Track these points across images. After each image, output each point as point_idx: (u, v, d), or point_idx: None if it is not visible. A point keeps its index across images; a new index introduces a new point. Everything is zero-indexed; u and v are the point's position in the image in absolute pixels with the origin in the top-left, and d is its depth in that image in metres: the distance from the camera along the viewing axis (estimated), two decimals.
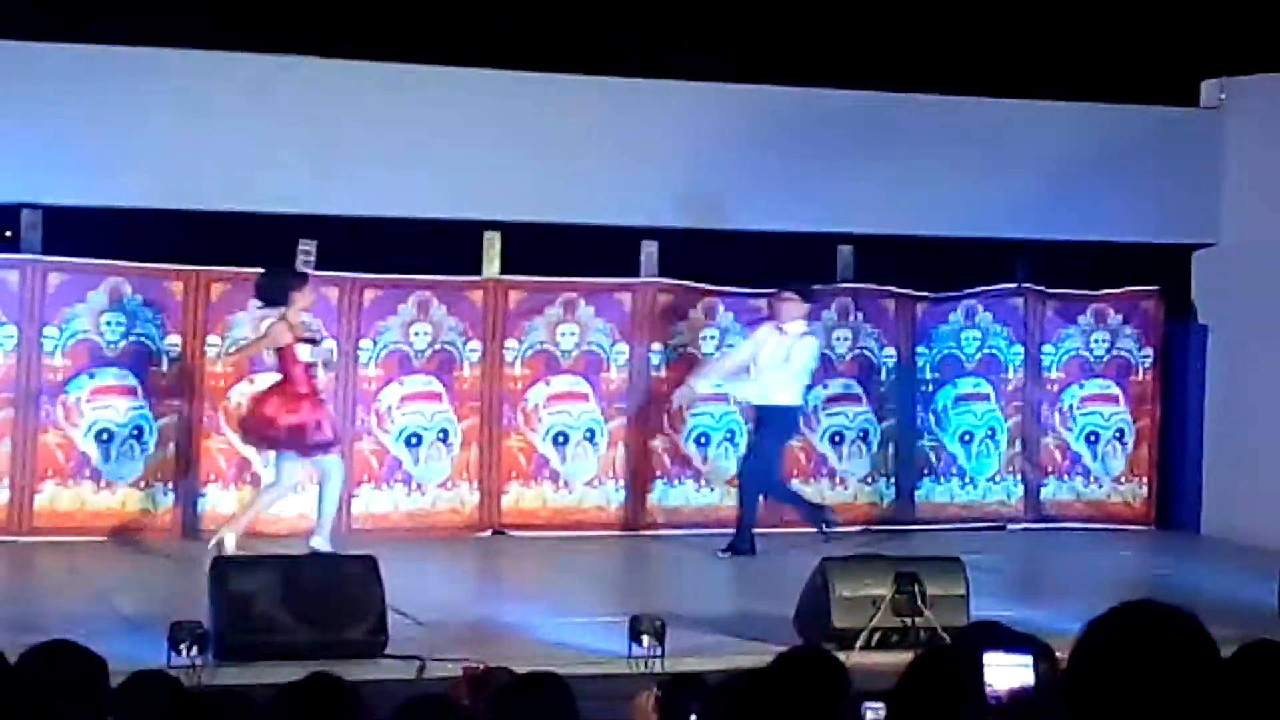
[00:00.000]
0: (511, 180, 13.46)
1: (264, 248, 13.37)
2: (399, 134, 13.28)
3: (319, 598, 8.97)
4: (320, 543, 11.67)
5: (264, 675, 7.32)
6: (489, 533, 13.89)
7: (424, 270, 13.85)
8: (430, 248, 13.81)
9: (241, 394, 13.10)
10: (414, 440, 13.78)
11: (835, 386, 14.70)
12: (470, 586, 12.05)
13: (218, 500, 13.22)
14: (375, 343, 13.70)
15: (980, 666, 3.75)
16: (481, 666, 6.94)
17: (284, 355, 11.76)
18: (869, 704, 4.21)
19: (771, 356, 12.87)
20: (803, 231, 14.18)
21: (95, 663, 4.64)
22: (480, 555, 13.41)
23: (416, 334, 13.78)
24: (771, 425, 13.10)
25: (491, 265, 14.08)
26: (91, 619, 9.17)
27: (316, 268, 13.48)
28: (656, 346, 14.22)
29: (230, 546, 11.21)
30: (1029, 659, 4.86)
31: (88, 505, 13.06)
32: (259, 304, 12.27)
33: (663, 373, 14.23)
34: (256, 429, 12.00)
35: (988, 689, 4.37)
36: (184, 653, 8.37)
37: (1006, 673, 4.60)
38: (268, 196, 13.01)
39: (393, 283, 13.80)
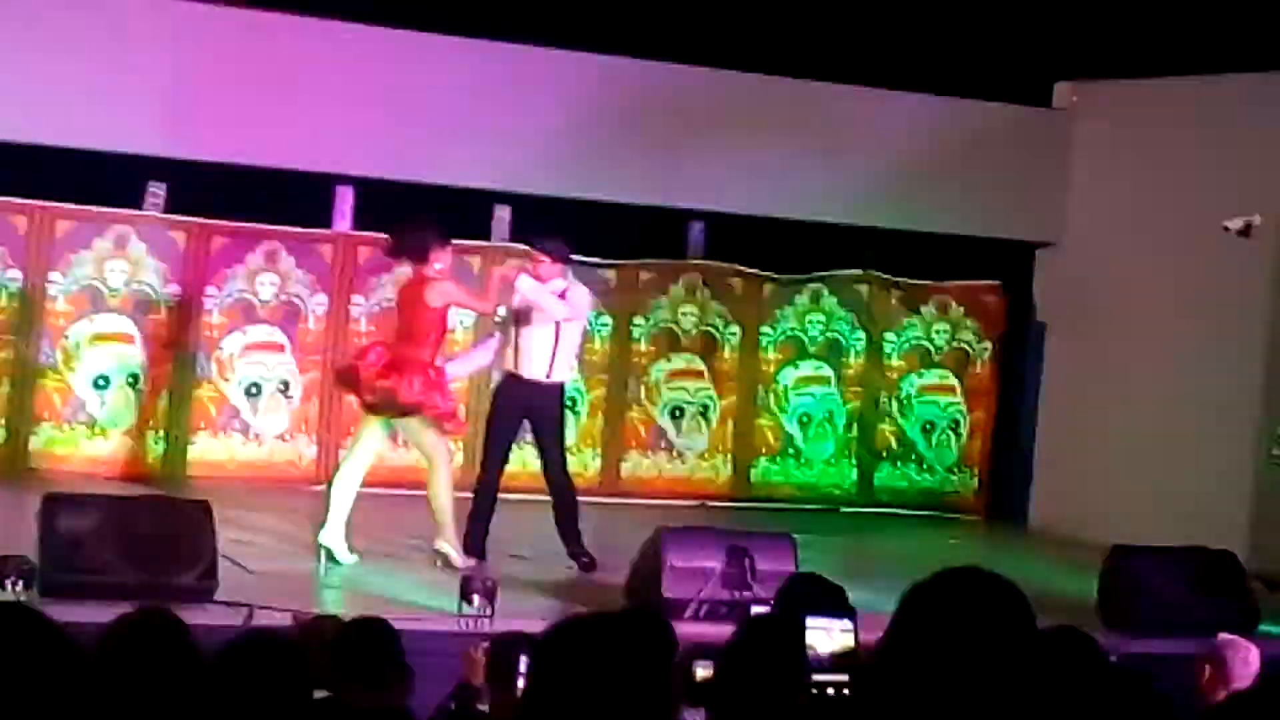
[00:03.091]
0: (366, 135, 13.41)
1: (112, 187, 13.28)
2: (257, 81, 13.17)
3: (150, 540, 8.89)
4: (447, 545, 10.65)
5: (90, 615, 7.27)
6: (325, 486, 13.82)
7: (274, 221, 13.78)
8: (281, 198, 13.72)
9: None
10: (254, 390, 13.70)
11: (679, 361, 14.81)
12: (303, 539, 12.00)
13: (51, 439, 13.12)
14: (221, 290, 13.61)
15: (802, 626, 3.85)
16: (311, 615, 6.95)
17: (431, 316, 10.69)
18: (699, 662, 4.29)
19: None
20: (654, 205, 14.24)
21: None
22: (315, 509, 13.33)
23: (263, 284, 13.71)
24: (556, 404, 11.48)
25: (343, 220, 14.02)
26: None
27: (165, 211, 13.46)
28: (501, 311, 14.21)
29: (457, 558, 10.50)
30: (850, 623, 4.99)
31: None
32: (395, 258, 11.31)
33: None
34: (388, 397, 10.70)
35: (809, 651, 4.47)
36: (9, 588, 8.29)
37: (828, 636, 4.71)
38: (118, 135, 12.85)
39: (242, 231, 13.71)
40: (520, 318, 11.07)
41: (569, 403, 11.97)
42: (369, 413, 10.86)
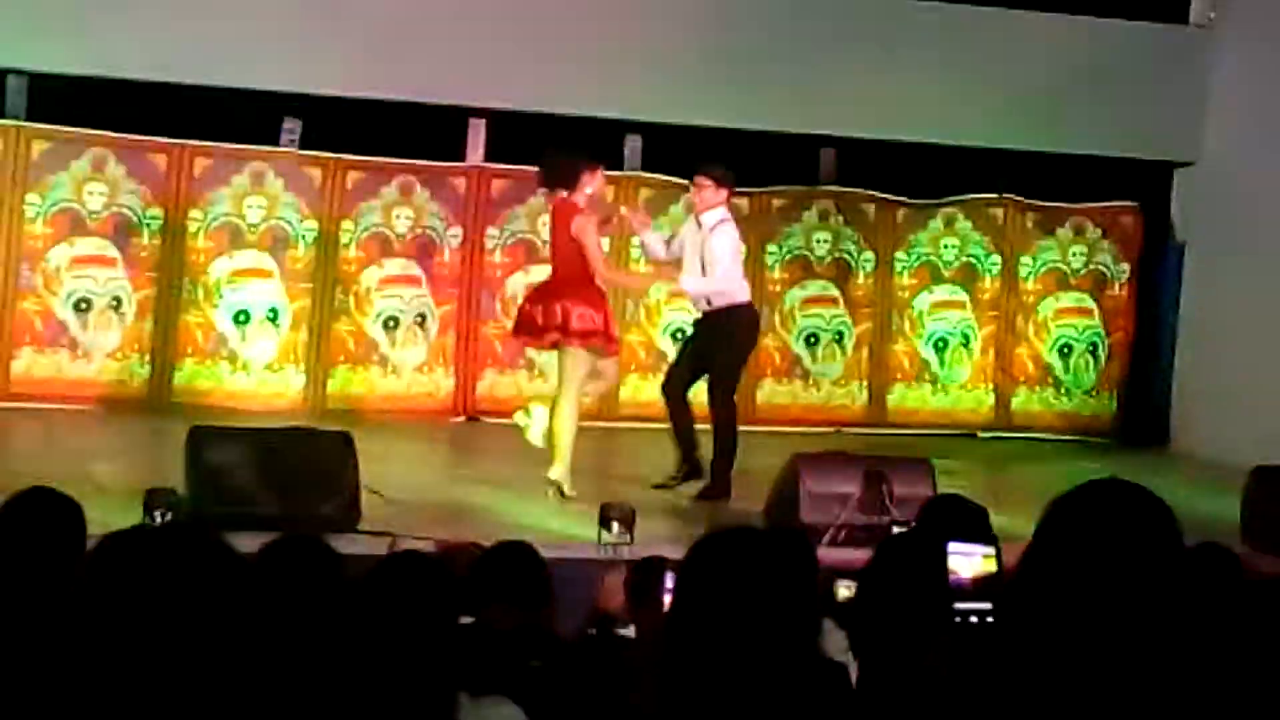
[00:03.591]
0: (497, 66, 13.45)
1: (248, 124, 13.41)
2: (386, 16, 13.24)
3: (293, 472, 9.03)
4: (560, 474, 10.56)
5: (238, 545, 7.39)
6: (463, 418, 13.98)
7: (407, 154, 13.86)
8: (414, 132, 13.79)
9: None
10: (391, 324, 13.82)
11: (812, 288, 14.78)
12: (442, 470, 12.13)
13: (194, 373, 13.32)
14: (356, 224, 13.72)
15: (943, 550, 3.85)
16: (454, 542, 7.02)
17: (572, 244, 10.56)
18: (842, 580, 4.31)
19: (689, 251, 11.15)
20: (785, 132, 14.19)
21: (72, 508, 4.72)
22: (453, 440, 13.49)
23: (398, 217, 13.81)
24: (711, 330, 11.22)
25: (476, 152, 14.09)
26: (67, 486, 9.19)
27: (300, 147, 13.59)
28: (635, 241, 14.24)
29: (567, 487, 10.45)
30: (993, 549, 4.97)
31: (65, 373, 13.10)
32: (547, 187, 10.88)
33: (641, 267, 14.25)
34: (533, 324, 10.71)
35: (951, 576, 4.47)
36: (157, 520, 8.43)
37: (970, 562, 4.71)
38: (253, 73, 12.98)
39: (376, 165, 13.81)
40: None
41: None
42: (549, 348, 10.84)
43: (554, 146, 11.10)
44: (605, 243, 11.49)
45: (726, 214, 11.17)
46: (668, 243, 11.43)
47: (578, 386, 10.66)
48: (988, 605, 4.71)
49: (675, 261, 11.29)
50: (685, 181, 13.38)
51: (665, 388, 11.32)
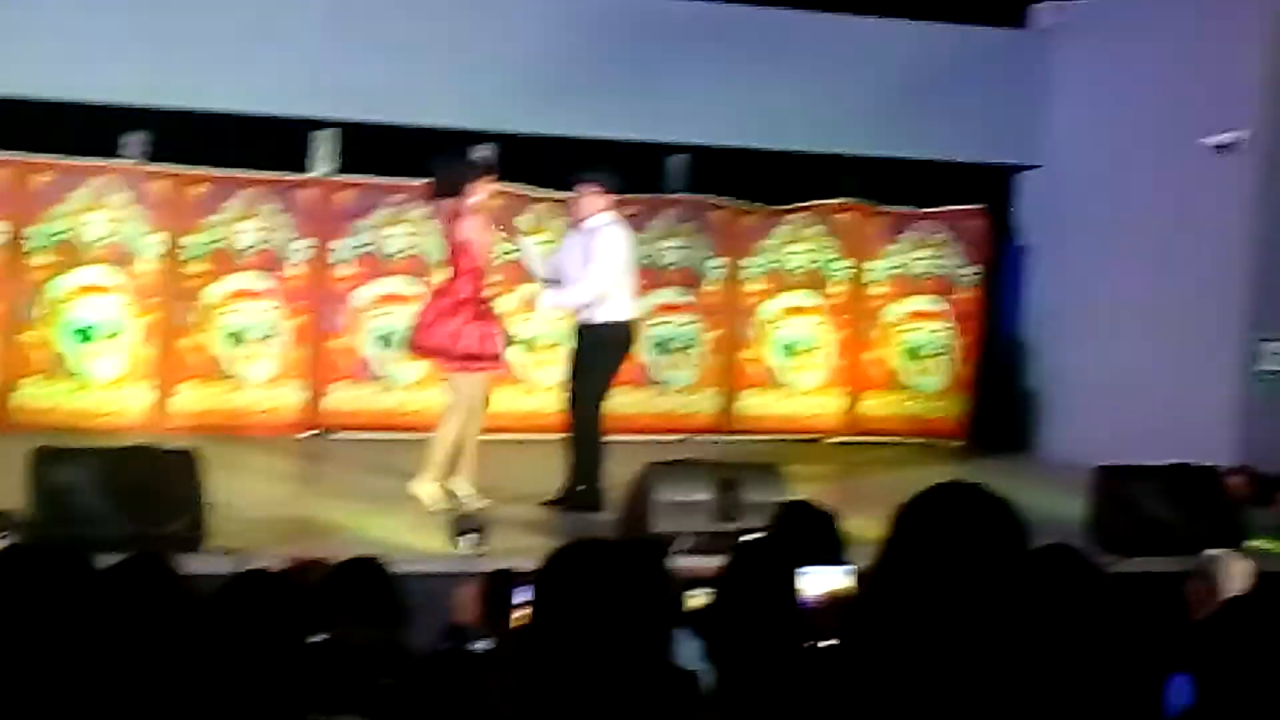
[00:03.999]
0: (344, 79, 13.35)
1: (88, 138, 13.21)
2: (233, 28, 13.10)
3: (139, 490, 8.87)
4: (426, 489, 10.59)
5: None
6: (313, 432, 13.86)
7: (254, 167, 13.73)
8: (261, 144, 13.65)
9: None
10: (238, 338, 13.68)
11: (663, 295, 14.79)
12: (293, 485, 12.02)
13: (35, 393, 13.11)
14: (203, 238, 13.56)
15: (794, 558, 3.85)
16: (305, 559, 6.94)
17: (461, 250, 10.60)
18: (691, 591, 4.29)
19: (573, 261, 10.85)
20: (633, 140, 14.19)
21: None
22: (303, 455, 13.37)
23: (244, 231, 13.67)
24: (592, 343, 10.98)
25: (323, 164, 13.98)
26: None
27: (145, 161, 13.41)
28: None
29: (429, 501, 10.47)
30: (848, 568, 4.97)
31: None
32: (438, 198, 10.80)
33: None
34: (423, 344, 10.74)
35: (800, 595, 4.45)
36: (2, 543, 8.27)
37: (821, 580, 4.68)
38: (95, 86, 12.79)
39: (221, 178, 13.65)
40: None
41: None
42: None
43: (441, 158, 11.01)
44: None
45: (615, 219, 10.94)
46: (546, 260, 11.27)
47: (467, 406, 10.66)
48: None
49: (554, 279, 11.00)
50: (537, 191, 13.41)
51: (569, 403, 11.12)
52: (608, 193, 10.90)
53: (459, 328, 10.56)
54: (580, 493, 10.82)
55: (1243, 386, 13.64)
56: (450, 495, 10.65)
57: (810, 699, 2.85)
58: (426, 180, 10.92)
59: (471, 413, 10.74)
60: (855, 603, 3.37)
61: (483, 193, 10.65)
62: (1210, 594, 6.69)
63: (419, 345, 10.78)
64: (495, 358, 10.76)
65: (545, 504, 10.84)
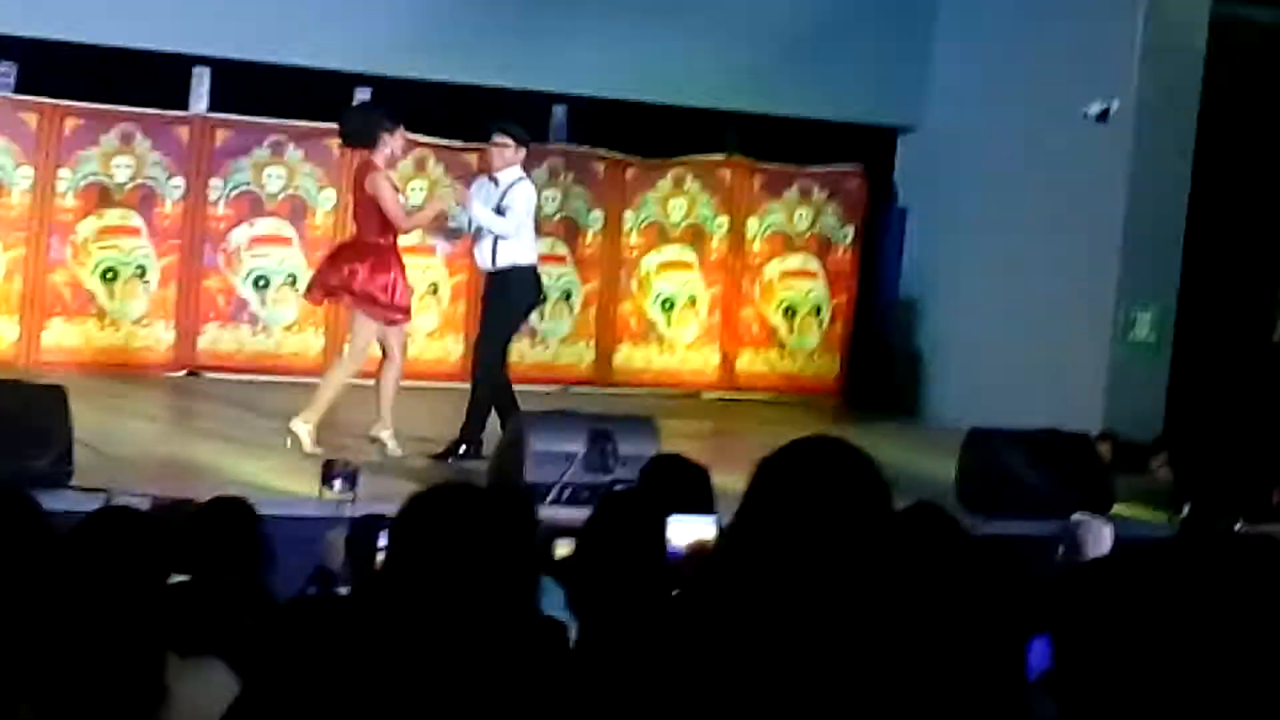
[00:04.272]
0: (223, 15, 13.19)
1: None
2: None
3: (4, 425, 8.76)
4: (303, 428, 10.47)
5: None
6: (184, 373, 13.73)
7: (129, 102, 13.53)
8: (137, 79, 13.46)
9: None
10: (109, 275, 13.50)
11: (542, 246, 14.70)
12: (162, 425, 11.90)
13: None
14: (75, 173, 13.37)
15: (662, 510, 3.85)
16: (169, 500, 6.88)
17: (371, 203, 10.55)
18: (560, 540, 4.29)
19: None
20: (516, 89, 14.12)
21: None
22: (174, 395, 13.24)
23: (118, 166, 13.48)
24: (499, 290, 11.07)
25: (199, 101, 13.81)
26: None
27: (15, 92, 13.19)
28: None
29: (307, 442, 10.35)
30: (712, 520, 4.99)
31: None
32: (348, 146, 11.10)
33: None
34: (325, 283, 10.76)
35: (669, 545, 4.46)
36: None
37: (688, 530, 4.70)
38: None
39: (96, 112, 13.45)
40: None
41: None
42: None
43: (352, 105, 11.18)
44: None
45: (523, 173, 11.10)
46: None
47: (361, 351, 10.68)
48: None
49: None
50: (416, 137, 13.27)
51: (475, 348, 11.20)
52: (520, 146, 11.02)
53: (385, 277, 10.55)
54: (460, 442, 10.81)
55: (1113, 353, 13.80)
56: (374, 441, 10.60)
57: (670, 648, 2.85)
58: (336, 128, 11.07)
59: (391, 360, 10.72)
60: (714, 553, 3.36)
61: (396, 145, 10.69)
62: (1076, 557, 6.78)
63: (328, 285, 10.72)
64: (408, 310, 10.90)
65: (434, 456, 10.81)
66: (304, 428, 10.47)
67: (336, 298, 10.89)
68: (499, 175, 10.99)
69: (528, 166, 13.36)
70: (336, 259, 10.84)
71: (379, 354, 10.80)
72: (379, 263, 10.57)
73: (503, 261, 10.89)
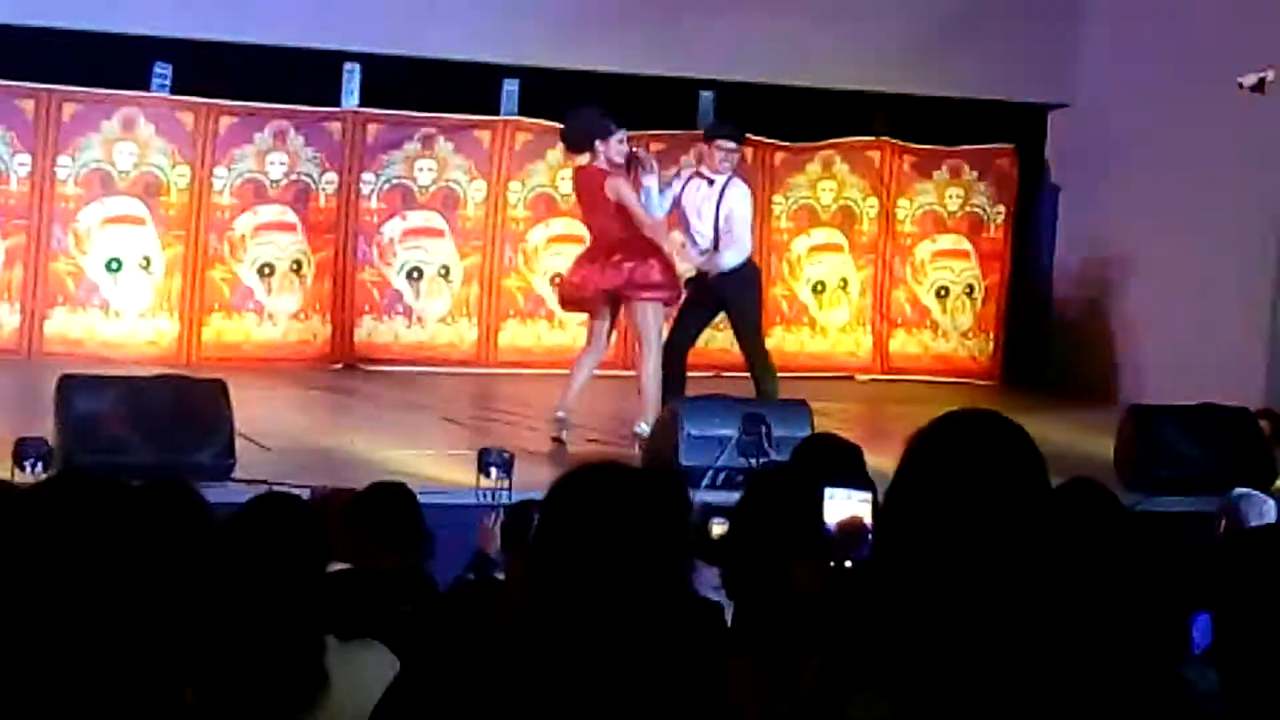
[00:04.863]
0: (372, 10, 13.32)
1: (118, 69, 13.19)
2: None
3: (167, 419, 8.92)
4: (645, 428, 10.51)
5: None
6: (340, 366, 13.88)
7: (281, 100, 13.70)
8: (288, 77, 13.62)
9: None
10: (268, 270, 13.67)
11: None
12: (320, 417, 12.03)
13: (66, 322, 13.16)
14: (230, 171, 13.55)
15: (817, 487, 3.84)
16: (329, 489, 6.95)
17: (613, 209, 10.67)
18: (716, 519, 4.29)
19: (699, 209, 11.22)
20: (663, 75, 14.12)
21: None
22: (331, 387, 13.38)
23: (272, 163, 13.65)
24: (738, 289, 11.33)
25: (350, 97, 13.94)
26: None
27: (172, 91, 13.40)
28: (514, 185, 14.19)
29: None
30: (868, 494, 4.96)
31: None
32: (570, 152, 11.14)
33: (519, 211, 14.22)
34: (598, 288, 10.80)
35: (823, 519, 4.44)
36: (29, 470, 8.30)
37: (843, 506, 4.68)
38: (123, 16, 12.76)
39: (249, 110, 13.63)
40: None
41: None
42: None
43: (575, 107, 11.13)
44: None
45: (739, 175, 11.48)
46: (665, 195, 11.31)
47: (658, 338, 10.77)
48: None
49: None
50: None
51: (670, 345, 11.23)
52: (739, 147, 11.41)
53: (656, 259, 10.66)
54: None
55: (1274, 327, 13.57)
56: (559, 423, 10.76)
57: (830, 621, 2.85)
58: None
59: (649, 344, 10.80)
60: (874, 527, 3.35)
61: (613, 150, 10.72)
62: (1235, 533, 6.68)
63: (598, 287, 10.77)
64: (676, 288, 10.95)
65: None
66: (645, 428, 10.53)
67: (621, 297, 10.82)
68: (715, 176, 11.23)
69: (677, 153, 13.47)
70: (594, 262, 10.82)
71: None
72: (645, 251, 10.64)
73: (732, 260, 11.13)
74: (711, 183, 11.20)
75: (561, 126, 11.30)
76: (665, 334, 11.00)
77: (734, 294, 11.29)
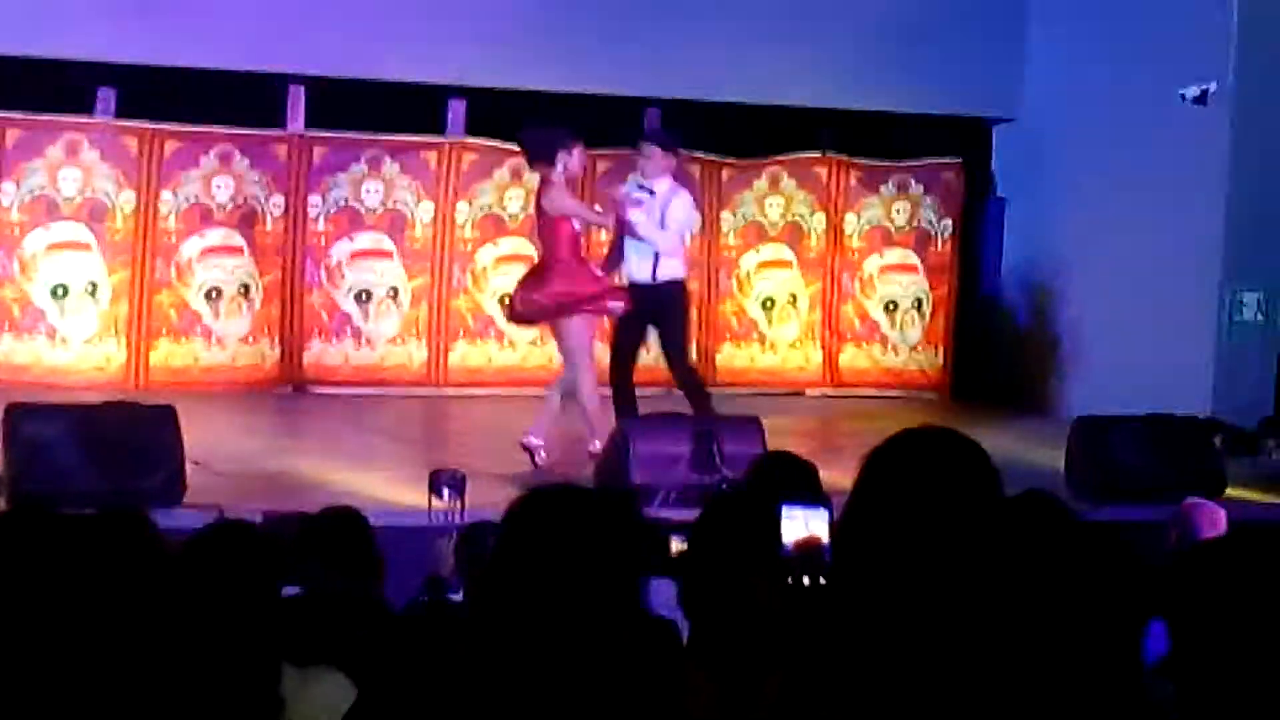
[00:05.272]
0: (316, 32, 13.29)
1: (61, 94, 13.13)
2: None
3: (116, 446, 8.87)
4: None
5: None
6: (290, 388, 13.83)
7: (226, 122, 13.65)
8: (233, 100, 13.57)
9: None
10: (214, 294, 13.61)
11: None
12: (270, 441, 11.98)
13: (11, 349, 13.09)
14: (176, 195, 13.49)
15: (774, 507, 3.84)
16: (280, 514, 6.93)
17: (550, 222, 10.63)
18: (675, 535, 4.28)
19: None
20: (609, 94, 14.13)
21: None
22: (280, 410, 13.34)
23: (219, 187, 13.60)
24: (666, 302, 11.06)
25: (296, 120, 13.91)
26: None
27: (116, 116, 13.34)
28: (462, 206, 14.17)
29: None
30: (825, 512, 4.97)
31: None
32: (530, 166, 11.11)
33: (467, 232, 14.20)
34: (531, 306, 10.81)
35: (780, 538, 4.44)
36: None
37: (803, 525, 4.68)
38: (66, 41, 12.71)
39: (194, 134, 13.58)
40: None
41: None
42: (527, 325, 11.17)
43: (531, 125, 11.10)
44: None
45: (677, 183, 11.24)
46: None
47: (587, 353, 10.68)
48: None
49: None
50: (509, 146, 13.25)
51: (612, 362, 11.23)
52: (668, 153, 11.08)
53: (583, 279, 10.64)
54: None
55: (1220, 337, 13.65)
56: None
57: (788, 638, 2.85)
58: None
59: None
60: (830, 545, 3.35)
61: (574, 162, 10.69)
62: (1189, 541, 6.70)
63: (533, 308, 10.79)
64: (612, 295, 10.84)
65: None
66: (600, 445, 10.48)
67: (546, 319, 10.88)
68: (654, 185, 11.00)
69: (625, 170, 13.42)
70: (529, 283, 10.83)
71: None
72: (570, 272, 10.59)
73: (664, 275, 10.91)
74: (653, 193, 11.03)
75: (521, 139, 11.22)
76: (594, 349, 10.91)
77: (661, 310, 11.04)
